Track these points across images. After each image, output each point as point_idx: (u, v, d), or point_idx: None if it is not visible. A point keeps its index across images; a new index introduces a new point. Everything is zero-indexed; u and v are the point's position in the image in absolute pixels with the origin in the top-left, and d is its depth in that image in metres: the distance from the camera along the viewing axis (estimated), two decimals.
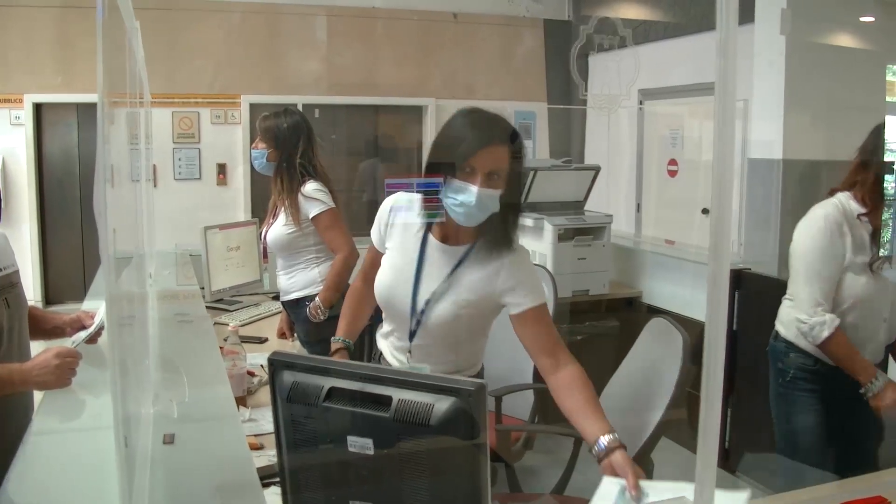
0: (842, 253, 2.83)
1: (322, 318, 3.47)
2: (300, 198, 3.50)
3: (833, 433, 3.05)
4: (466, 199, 2.18)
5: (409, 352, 2.40)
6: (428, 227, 2.39)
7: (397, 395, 1.40)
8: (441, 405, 1.36)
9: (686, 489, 1.64)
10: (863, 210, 2.85)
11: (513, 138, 2.29)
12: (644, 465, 2.40)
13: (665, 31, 6.82)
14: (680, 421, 2.54)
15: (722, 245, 1.16)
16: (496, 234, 2.31)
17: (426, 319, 2.34)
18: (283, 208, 3.56)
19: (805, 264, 2.89)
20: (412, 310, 2.35)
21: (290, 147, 3.53)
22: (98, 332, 2.58)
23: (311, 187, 3.51)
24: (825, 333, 2.82)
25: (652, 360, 2.71)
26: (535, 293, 2.32)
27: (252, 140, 3.71)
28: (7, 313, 2.40)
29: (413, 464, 1.42)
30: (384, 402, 1.40)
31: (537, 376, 3.51)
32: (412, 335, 2.37)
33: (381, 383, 1.43)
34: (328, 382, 1.46)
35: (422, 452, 1.40)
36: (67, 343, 2.57)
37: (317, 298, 3.49)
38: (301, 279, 3.61)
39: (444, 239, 2.36)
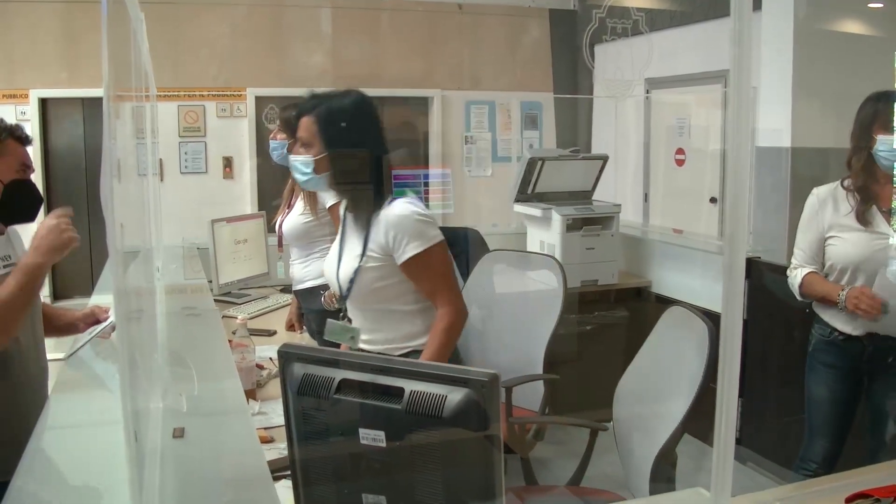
0: (821, 224, 3.16)
1: (336, 306, 3.46)
2: None
3: (848, 409, 3.21)
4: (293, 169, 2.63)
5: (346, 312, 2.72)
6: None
7: (409, 386, 1.38)
8: (454, 396, 1.35)
9: None
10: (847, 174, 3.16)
11: (311, 107, 2.55)
12: (669, 458, 2.38)
13: (671, 20, 6.79)
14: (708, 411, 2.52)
15: (738, 236, 1.14)
16: (355, 198, 2.63)
17: (346, 284, 2.62)
18: (300, 198, 3.57)
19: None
20: (336, 276, 2.66)
21: None
22: (112, 328, 2.58)
23: None
24: (797, 280, 3.21)
25: (672, 348, 2.68)
26: (410, 244, 2.50)
27: (258, 131, 3.71)
28: None
29: (426, 456, 1.41)
30: (396, 393, 1.39)
31: (547, 367, 3.52)
32: (343, 299, 2.68)
33: (392, 375, 1.41)
34: (339, 374, 1.45)
35: (434, 444, 1.39)
36: (84, 337, 2.58)
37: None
38: (316, 268, 3.59)
39: (349, 209, 2.68)
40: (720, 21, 5.82)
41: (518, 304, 3.85)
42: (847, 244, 3.10)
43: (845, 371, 3.16)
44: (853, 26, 4.81)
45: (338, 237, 2.74)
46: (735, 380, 1.18)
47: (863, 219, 3.06)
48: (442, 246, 2.54)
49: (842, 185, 3.15)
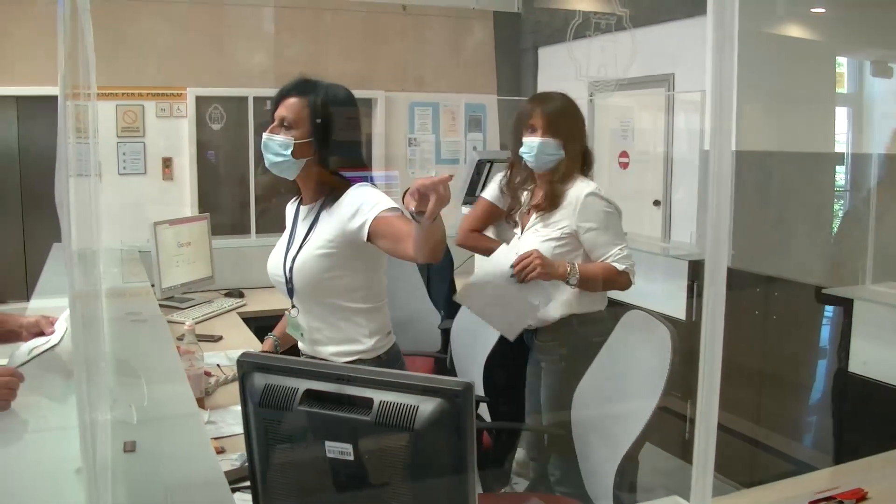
0: None
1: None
2: None
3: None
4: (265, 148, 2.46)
5: (294, 306, 2.62)
6: (299, 200, 2.64)
7: (378, 396, 1.33)
8: (426, 407, 1.30)
9: None
10: None
11: (304, 90, 2.48)
12: (632, 466, 2.36)
13: (616, 24, 6.81)
14: (670, 415, 2.50)
15: (720, 245, 1.11)
16: (321, 180, 2.52)
17: (293, 275, 2.52)
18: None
19: None
20: (283, 269, 2.55)
21: None
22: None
23: None
24: None
25: (632, 353, 2.66)
26: (375, 208, 2.39)
27: (199, 132, 3.64)
28: None
29: (396, 469, 1.35)
30: (364, 404, 1.34)
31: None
32: (290, 292, 2.56)
33: (360, 385, 1.36)
34: (303, 384, 1.39)
35: (405, 457, 1.34)
36: (23, 350, 2.44)
37: None
38: None
39: (304, 201, 2.61)
40: (663, 25, 5.86)
41: None
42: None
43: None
44: (796, 30, 4.88)
45: (287, 231, 2.65)
46: (716, 388, 1.16)
47: (509, 216, 3.30)
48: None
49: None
